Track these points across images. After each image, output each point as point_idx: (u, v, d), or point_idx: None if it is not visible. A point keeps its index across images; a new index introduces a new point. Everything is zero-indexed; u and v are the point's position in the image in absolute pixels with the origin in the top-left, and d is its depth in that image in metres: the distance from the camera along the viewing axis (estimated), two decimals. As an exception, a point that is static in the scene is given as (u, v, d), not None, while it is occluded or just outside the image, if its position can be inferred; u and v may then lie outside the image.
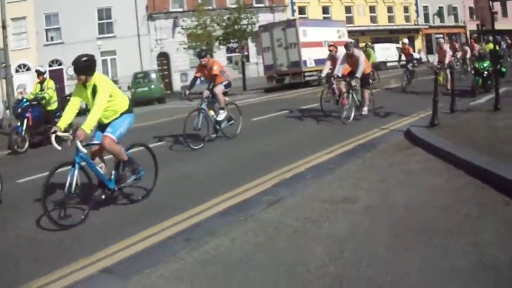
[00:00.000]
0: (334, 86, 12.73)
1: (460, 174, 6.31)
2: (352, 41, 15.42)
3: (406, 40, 21.49)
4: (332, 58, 13.11)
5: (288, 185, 6.78)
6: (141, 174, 6.82)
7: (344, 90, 12.13)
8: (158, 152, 9.92)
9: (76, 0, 35.22)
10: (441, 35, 51.45)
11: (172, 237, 5.19)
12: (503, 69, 14.66)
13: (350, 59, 12.37)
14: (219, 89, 10.73)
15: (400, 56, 20.50)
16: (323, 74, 13.38)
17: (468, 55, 21.00)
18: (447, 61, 16.50)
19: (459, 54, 21.80)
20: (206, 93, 10.42)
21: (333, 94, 13.10)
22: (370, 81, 13.79)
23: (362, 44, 33.87)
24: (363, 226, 4.88)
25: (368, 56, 18.23)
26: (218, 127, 10.88)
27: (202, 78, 11.14)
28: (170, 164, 8.75)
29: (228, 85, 11.11)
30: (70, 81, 33.88)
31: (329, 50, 13.37)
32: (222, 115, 10.82)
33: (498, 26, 55.84)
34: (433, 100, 9.44)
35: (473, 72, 14.97)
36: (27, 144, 12.77)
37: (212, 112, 10.74)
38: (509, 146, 6.90)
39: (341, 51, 12.71)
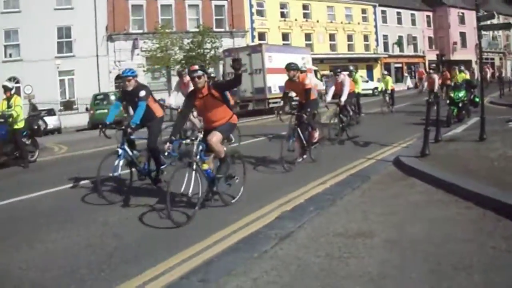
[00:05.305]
0: None
1: (470, 206, 6.24)
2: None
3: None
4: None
5: (293, 218, 6.46)
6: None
7: None
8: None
9: (36, 17, 34.38)
10: (400, 64, 53.02)
11: (185, 277, 4.74)
12: (477, 99, 14.96)
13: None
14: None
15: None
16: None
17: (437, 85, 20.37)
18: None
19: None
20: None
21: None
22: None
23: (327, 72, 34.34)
24: (393, 262, 4.68)
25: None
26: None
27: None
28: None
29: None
30: (26, 100, 32.68)
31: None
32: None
33: (457, 56, 56.89)
34: (425, 130, 9.45)
35: (448, 101, 15.25)
36: (-9, 165, 11.82)
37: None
38: (512, 176, 6.91)
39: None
